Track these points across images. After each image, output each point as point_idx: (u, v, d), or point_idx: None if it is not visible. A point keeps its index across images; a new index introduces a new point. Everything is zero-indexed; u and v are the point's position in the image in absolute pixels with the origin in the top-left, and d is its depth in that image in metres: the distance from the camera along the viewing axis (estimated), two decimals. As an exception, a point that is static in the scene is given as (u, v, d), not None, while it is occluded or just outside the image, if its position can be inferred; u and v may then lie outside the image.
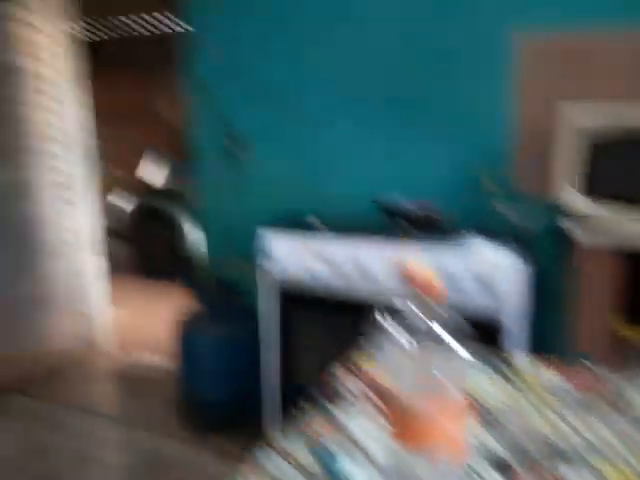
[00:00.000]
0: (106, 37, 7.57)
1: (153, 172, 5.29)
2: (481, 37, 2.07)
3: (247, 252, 2.59)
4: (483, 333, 0.73)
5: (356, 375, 0.93)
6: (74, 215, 3.09)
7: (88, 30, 6.11)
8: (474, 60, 2.09)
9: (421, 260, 1.59)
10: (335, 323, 1.97)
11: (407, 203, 1.99)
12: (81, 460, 2.25)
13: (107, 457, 2.30)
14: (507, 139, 2.07)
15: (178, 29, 7.08)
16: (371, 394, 0.86)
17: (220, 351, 2.26)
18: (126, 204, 5.30)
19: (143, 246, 5.25)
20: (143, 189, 5.36)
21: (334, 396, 0.88)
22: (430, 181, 2.20)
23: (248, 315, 2.37)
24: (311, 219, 1.97)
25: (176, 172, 5.13)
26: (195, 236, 4.90)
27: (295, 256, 1.88)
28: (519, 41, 1.97)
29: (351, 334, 1.94)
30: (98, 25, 7.10)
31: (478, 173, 2.10)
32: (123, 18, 7.43)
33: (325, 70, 2.39)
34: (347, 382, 0.92)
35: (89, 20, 6.06)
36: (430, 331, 0.66)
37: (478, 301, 1.61)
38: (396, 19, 2.22)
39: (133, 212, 5.25)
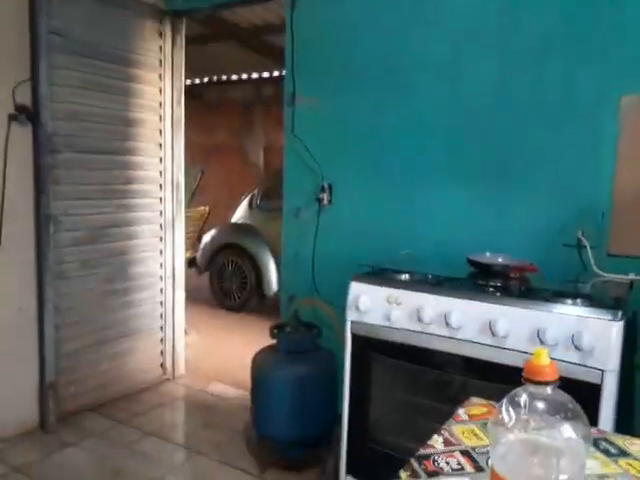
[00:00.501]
0: (205, 81, 8.08)
1: (240, 210, 5.48)
2: (586, 99, 2.04)
3: (328, 295, 2.63)
4: (580, 395, 0.68)
5: (461, 452, 0.89)
6: (163, 250, 3.26)
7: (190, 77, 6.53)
8: (577, 120, 2.07)
9: (515, 319, 1.51)
10: (416, 375, 1.92)
11: (501, 260, 1.94)
12: (151, 486, 2.29)
13: (174, 486, 2.33)
14: (607, 199, 2.01)
15: (275, 73, 7.49)
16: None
17: (296, 390, 2.25)
18: (209, 238, 5.50)
19: (223, 280, 5.41)
20: (227, 225, 5.56)
21: (435, 470, 0.85)
22: (525, 239, 2.15)
23: (326, 357, 2.38)
24: (398, 269, 1.95)
25: (261, 211, 5.28)
26: (274, 274, 5.00)
27: (379, 305, 1.86)
28: (627, 104, 1.91)
29: (432, 390, 1.92)
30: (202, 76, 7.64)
31: (575, 232, 2.04)
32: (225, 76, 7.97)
33: (418, 125, 2.43)
34: (449, 458, 0.88)
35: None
36: (542, 412, 0.64)
37: (574, 360, 1.52)
38: (494, 78, 2.23)
39: (215, 246, 5.44)
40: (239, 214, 5.50)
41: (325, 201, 2.68)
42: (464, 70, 2.30)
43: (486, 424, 1.01)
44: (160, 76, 3.17)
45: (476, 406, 1.11)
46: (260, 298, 5.20)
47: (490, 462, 0.67)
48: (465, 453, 0.90)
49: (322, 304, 2.56)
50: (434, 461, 0.88)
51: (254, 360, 2.43)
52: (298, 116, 2.76)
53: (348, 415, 1.97)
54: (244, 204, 5.48)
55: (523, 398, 0.64)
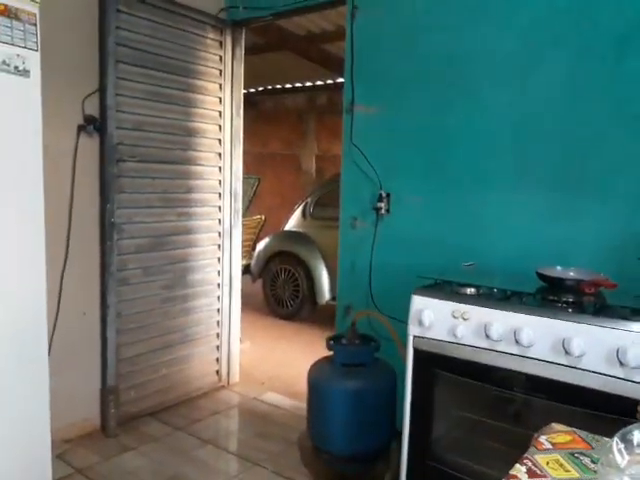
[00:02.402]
0: (260, 89, 8.19)
1: (293, 219, 5.50)
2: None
3: (386, 307, 2.57)
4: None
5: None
6: (221, 258, 3.30)
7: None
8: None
9: (591, 337, 1.41)
10: (481, 393, 1.84)
11: (573, 274, 1.84)
12: (207, 494, 2.29)
13: (230, 495, 2.32)
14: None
15: (329, 82, 7.52)
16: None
17: (353, 404, 2.20)
18: (263, 246, 5.54)
19: (275, 287, 5.44)
20: (280, 233, 5.59)
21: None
22: (597, 251, 2.03)
23: (385, 371, 2.32)
24: (463, 283, 1.88)
25: (314, 219, 5.28)
26: (326, 282, 4.98)
27: (443, 319, 1.79)
28: None
29: (498, 409, 1.82)
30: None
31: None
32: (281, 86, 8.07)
33: (483, 128, 2.35)
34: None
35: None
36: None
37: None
38: (565, 77, 2.13)
39: (269, 254, 5.48)
40: (292, 222, 5.52)
41: (383, 210, 2.64)
42: (532, 68, 2.20)
43: (572, 454, 0.93)
44: (220, 86, 3.21)
45: (559, 434, 1.03)
46: (312, 307, 5.19)
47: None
48: (553, 486, 0.83)
49: (379, 316, 2.50)
50: (519, 494, 0.82)
51: (310, 371, 2.40)
52: (356, 124, 2.73)
53: (409, 431, 1.90)
54: (297, 212, 5.49)
55: (637, 437, 0.57)
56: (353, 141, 2.72)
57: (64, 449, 2.54)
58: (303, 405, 3.03)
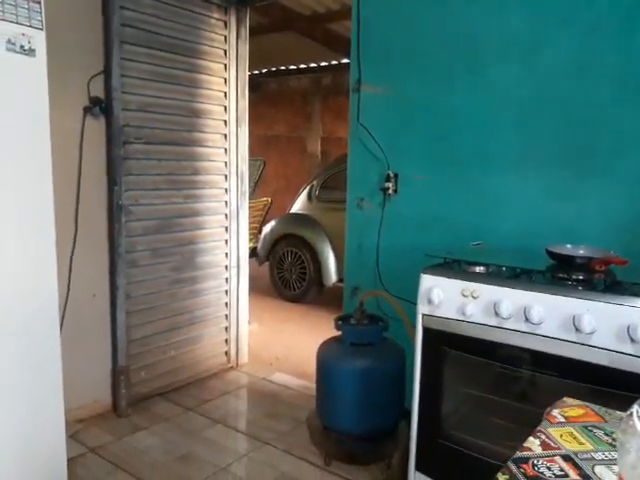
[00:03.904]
0: (264, 71, 8.12)
1: (299, 201, 5.49)
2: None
3: (394, 287, 2.57)
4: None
5: (563, 457, 0.83)
6: (229, 240, 3.30)
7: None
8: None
9: (602, 314, 1.40)
10: (490, 371, 1.85)
11: (583, 252, 1.83)
12: (217, 470, 2.33)
13: (240, 471, 2.35)
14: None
15: (334, 62, 7.45)
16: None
17: (362, 383, 2.22)
18: (269, 229, 5.55)
19: (282, 270, 5.45)
20: (286, 216, 5.58)
21: (536, 474, 0.79)
22: (606, 229, 2.02)
23: (393, 350, 2.33)
24: (472, 261, 1.87)
25: (320, 202, 5.27)
26: (333, 265, 4.98)
27: (453, 298, 1.79)
28: None
29: (507, 387, 1.83)
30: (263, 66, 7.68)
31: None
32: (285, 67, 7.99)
33: (490, 107, 2.32)
34: (550, 463, 0.81)
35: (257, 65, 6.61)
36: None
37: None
38: (573, 53, 2.09)
39: (275, 237, 5.48)
40: (298, 205, 5.51)
41: (390, 191, 2.62)
42: (538, 45, 2.17)
43: (586, 427, 0.94)
44: (225, 67, 3.19)
45: (572, 407, 1.03)
46: (319, 289, 5.21)
47: (618, 470, 0.61)
48: (567, 458, 0.83)
49: (387, 296, 2.50)
50: (534, 465, 0.82)
51: (319, 351, 2.41)
52: (363, 104, 2.70)
53: (418, 410, 1.91)
54: (303, 195, 5.48)
55: (658, 404, 0.57)
56: (360, 121, 2.70)
57: (77, 429, 2.58)
58: (311, 385, 3.07)
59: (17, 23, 1.62)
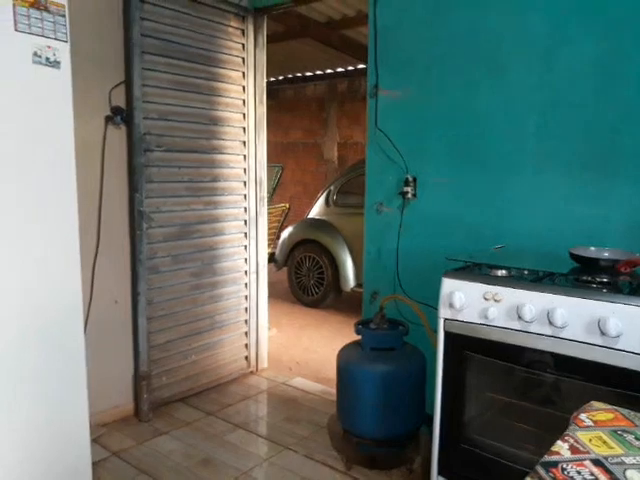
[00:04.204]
0: (280, 79, 8.17)
1: (316, 207, 5.50)
2: None
3: (413, 291, 2.57)
4: None
5: (592, 462, 0.82)
6: (248, 245, 3.33)
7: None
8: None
9: (628, 318, 1.37)
10: (514, 375, 1.83)
11: (608, 254, 1.81)
12: (239, 475, 2.34)
13: (261, 476, 2.35)
14: None
15: (350, 68, 7.47)
16: None
17: (383, 388, 2.21)
18: (287, 234, 5.57)
19: (300, 275, 5.46)
20: (304, 221, 5.60)
21: (565, 479, 0.78)
22: (629, 231, 1.99)
23: (414, 355, 2.32)
24: (494, 265, 1.86)
25: (337, 207, 5.28)
26: (351, 270, 4.98)
27: (475, 302, 1.78)
28: None
29: (531, 391, 1.81)
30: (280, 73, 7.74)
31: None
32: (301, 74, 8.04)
33: (511, 109, 2.31)
34: (579, 467, 0.81)
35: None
36: None
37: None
38: (596, 53, 2.08)
39: (293, 242, 5.50)
40: (316, 210, 5.52)
41: (409, 195, 2.62)
42: (561, 45, 2.15)
43: (615, 432, 0.92)
44: (243, 74, 3.22)
45: (600, 412, 1.02)
46: (337, 294, 5.20)
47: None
48: (597, 463, 0.83)
49: (407, 300, 2.49)
50: (563, 469, 0.81)
51: (339, 356, 2.41)
52: (381, 108, 2.70)
53: (440, 415, 1.90)
54: (320, 201, 5.49)
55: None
56: (378, 126, 2.70)
57: (100, 433, 2.61)
58: (331, 390, 3.08)
59: (43, 36, 1.66)
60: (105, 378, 2.67)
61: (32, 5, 1.67)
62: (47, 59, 1.66)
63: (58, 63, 1.69)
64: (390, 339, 2.33)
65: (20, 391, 1.71)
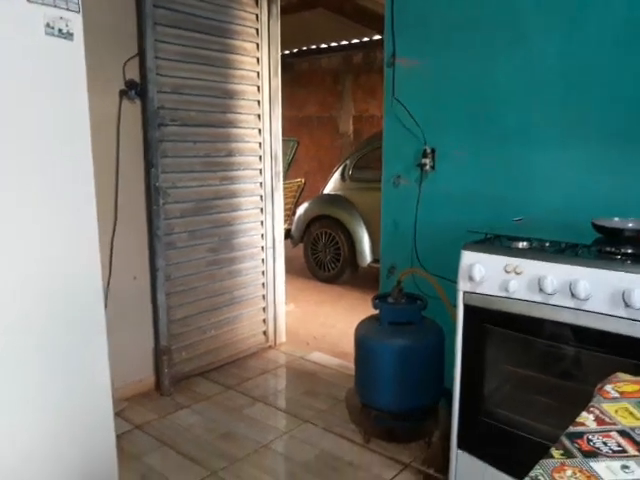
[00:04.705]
0: (295, 51, 8.05)
1: (332, 182, 5.46)
2: None
3: (432, 265, 2.54)
4: None
5: (619, 433, 0.80)
6: (264, 221, 3.32)
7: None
8: None
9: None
10: (534, 348, 1.81)
11: (632, 225, 1.76)
12: (259, 447, 2.37)
13: (281, 448, 2.38)
14: None
15: (365, 39, 7.33)
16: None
17: (401, 361, 2.21)
18: (303, 210, 5.54)
19: (316, 251, 5.46)
20: (320, 197, 5.57)
21: (591, 449, 0.76)
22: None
23: (432, 329, 2.31)
24: (514, 236, 1.82)
25: (353, 182, 5.23)
26: (367, 245, 4.96)
27: (495, 274, 1.75)
28: None
29: (551, 364, 1.79)
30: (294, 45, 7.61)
31: None
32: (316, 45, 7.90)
33: (532, 79, 2.24)
34: (605, 438, 0.79)
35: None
36: None
37: None
38: (622, 21, 1.99)
39: (308, 218, 5.48)
40: (331, 185, 5.48)
41: (428, 167, 2.57)
42: (585, 11, 2.06)
43: (642, 403, 0.90)
44: (257, 46, 3.16)
45: (626, 383, 0.99)
46: (353, 269, 5.19)
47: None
48: (624, 434, 0.81)
49: (425, 274, 2.47)
50: (588, 440, 0.79)
51: (357, 330, 2.41)
52: (398, 78, 2.64)
53: (460, 388, 1.89)
54: (336, 175, 5.45)
55: None
56: (395, 96, 2.64)
57: (123, 407, 2.66)
58: (348, 364, 3.09)
59: (55, 6, 1.63)
60: (126, 353, 2.70)
61: (42, -25, 1.63)
62: (60, 30, 1.64)
63: (71, 35, 1.67)
64: (408, 313, 2.32)
65: (45, 368, 1.73)
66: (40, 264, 1.69)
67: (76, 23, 1.68)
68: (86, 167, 1.78)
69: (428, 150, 2.56)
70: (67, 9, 1.65)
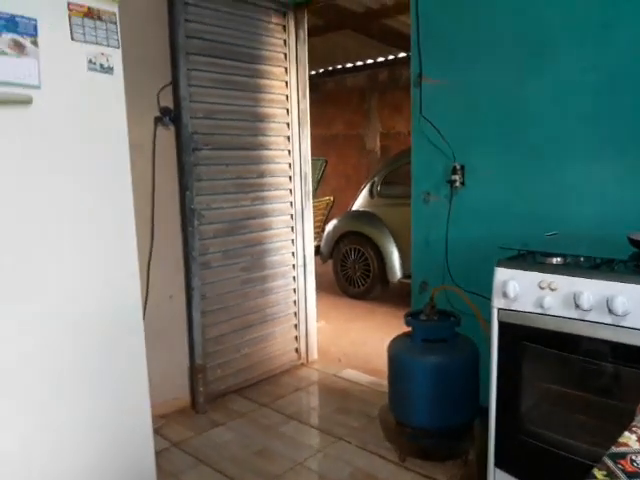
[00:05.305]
0: (321, 72, 8.16)
1: (360, 198, 5.50)
2: None
3: (464, 281, 2.54)
4: None
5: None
6: (295, 239, 3.38)
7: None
8: None
9: None
10: (571, 365, 1.79)
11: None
12: (294, 465, 2.38)
13: (317, 466, 2.39)
14: None
15: (390, 57, 7.39)
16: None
17: (436, 379, 2.21)
18: (332, 227, 5.58)
19: (346, 267, 5.48)
20: (348, 213, 5.60)
21: (635, 470, 0.76)
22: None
23: (467, 346, 2.30)
24: (548, 252, 1.81)
25: (381, 198, 5.25)
26: (397, 261, 4.95)
27: (529, 291, 1.74)
28: None
29: (589, 381, 1.77)
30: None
31: None
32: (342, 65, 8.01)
33: (562, 93, 2.24)
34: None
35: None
36: None
37: None
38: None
39: (338, 235, 5.52)
40: (360, 202, 5.52)
41: (457, 183, 2.59)
42: (615, 22, 2.06)
43: (686, 422, 0.89)
44: (286, 70, 3.24)
45: (668, 401, 0.99)
46: (383, 286, 5.19)
47: None
48: (667, 454, 0.80)
49: (458, 290, 2.47)
50: (632, 461, 0.79)
51: (390, 347, 2.41)
52: (425, 96, 2.67)
53: (496, 406, 1.88)
54: (364, 192, 5.48)
55: None
56: (423, 114, 2.67)
57: (160, 424, 2.71)
58: (381, 381, 3.09)
59: (96, 44, 1.73)
60: (162, 371, 2.76)
61: (86, 15, 1.73)
62: (101, 65, 1.73)
63: (111, 69, 1.76)
64: (441, 330, 2.32)
65: (86, 387, 1.79)
66: (82, 289, 1.77)
67: (116, 57, 1.77)
68: (125, 193, 1.86)
69: (457, 166, 2.57)
70: (107, 45, 1.75)
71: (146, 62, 2.65)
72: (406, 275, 4.79)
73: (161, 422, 2.74)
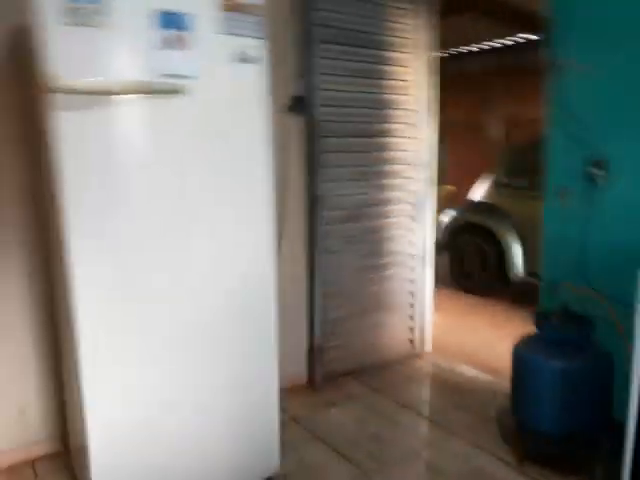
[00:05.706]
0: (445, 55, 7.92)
1: (481, 189, 5.31)
2: None
3: (601, 284, 2.36)
4: None
5: None
6: (415, 229, 3.35)
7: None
8: None
9: None
10: None
11: None
12: (408, 454, 2.39)
13: (432, 458, 2.39)
14: None
15: (518, 39, 7.01)
16: None
17: (567, 384, 2.10)
18: (449, 218, 5.45)
19: (462, 260, 5.32)
20: (468, 204, 5.44)
21: None
22: None
23: (600, 354, 2.16)
24: None
25: (505, 189, 5.03)
26: (520, 257, 4.72)
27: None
28: None
29: None
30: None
31: None
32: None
33: None
34: None
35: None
36: None
37: None
38: None
39: (455, 226, 5.37)
40: (480, 192, 5.32)
41: (599, 179, 2.40)
42: None
43: None
44: (414, 56, 3.19)
45: None
46: (502, 282, 4.95)
47: None
48: None
49: (593, 294, 2.31)
50: None
51: (516, 348, 2.32)
52: (563, 83, 2.50)
53: (637, 421, 1.74)
54: (486, 182, 5.27)
55: None
56: (560, 102, 2.50)
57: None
58: (497, 381, 3.00)
59: (244, 36, 1.83)
60: (282, 348, 2.88)
61: (234, 9, 1.83)
62: (249, 57, 1.83)
63: (258, 59, 1.85)
64: (574, 335, 2.19)
65: (225, 352, 1.96)
66: (228, 272, 1.94)
67: (261, 48, 1.87)
68: (268, 178, 1.97)
69: (600, 161, 2.39)
70: (254, 37, 1.85)
71: (279, 52, 2.73)
72: (530, 273, 4.53)
73: (280, 395, 2.87)
